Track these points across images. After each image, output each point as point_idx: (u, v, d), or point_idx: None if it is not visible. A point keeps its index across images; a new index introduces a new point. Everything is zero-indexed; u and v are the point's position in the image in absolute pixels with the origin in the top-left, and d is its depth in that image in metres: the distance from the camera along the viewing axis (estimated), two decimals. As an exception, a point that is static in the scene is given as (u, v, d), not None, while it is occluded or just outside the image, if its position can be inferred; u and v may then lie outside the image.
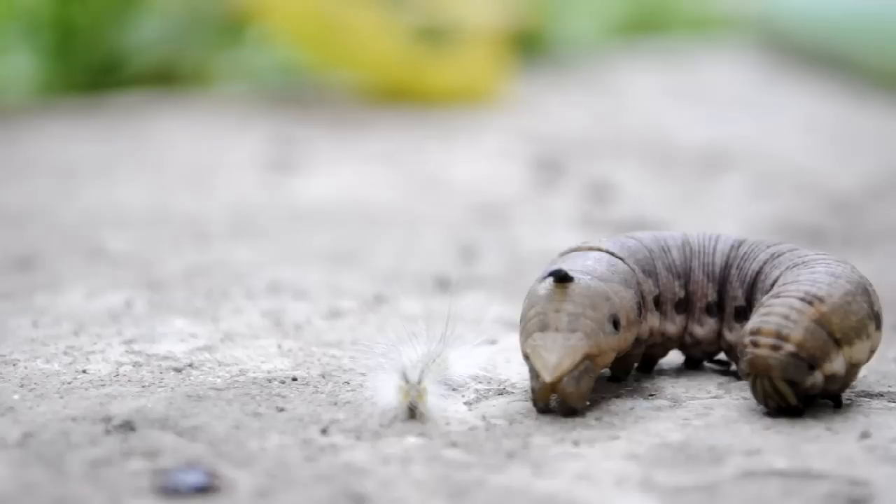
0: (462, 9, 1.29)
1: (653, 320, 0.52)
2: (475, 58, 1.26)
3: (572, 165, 1.01)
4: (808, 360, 0.48)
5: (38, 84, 1.25)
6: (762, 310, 0.49)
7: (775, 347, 0.48)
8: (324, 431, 0.48)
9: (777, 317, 0.48)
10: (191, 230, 0.80)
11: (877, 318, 0.50)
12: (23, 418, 0.49)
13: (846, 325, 0.48)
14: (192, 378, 0.53)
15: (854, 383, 0.53)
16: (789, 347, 0.48)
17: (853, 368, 0.49)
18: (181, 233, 0.79)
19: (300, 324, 0.61)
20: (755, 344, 0.48)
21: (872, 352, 0.50)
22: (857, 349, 0.49)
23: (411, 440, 0.47)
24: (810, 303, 0.48)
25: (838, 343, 0.48)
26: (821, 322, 0.48)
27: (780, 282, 0.51)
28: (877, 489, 0.43)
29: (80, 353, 0.56)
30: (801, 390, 0.48)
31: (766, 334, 0.48)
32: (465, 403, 0.51)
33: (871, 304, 0.50)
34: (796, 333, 0.48)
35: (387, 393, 0.49)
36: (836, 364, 0.48)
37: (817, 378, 0.48)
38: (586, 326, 0.49)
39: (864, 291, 0.50)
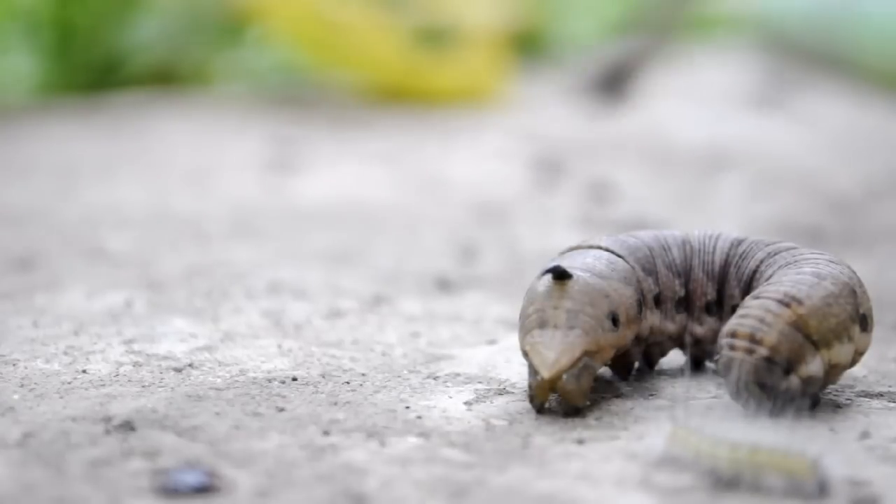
0: (462, 9, 1.29)
1: (653, 319, 0.52)
2: (475, 58, 1.26)
3: (572, 165, 1.01)
4: (783, 363, 0.48)
5: (38, 84, 1.25)
6: (740, 311, 0.49)
7: (749, 351, 0.48)
8: (326, 433, 0.48)
9: (752, 319, 0.48)
10: (191, 230, 0.80)
11: (863, 321, 0.50)
12: (23, 418, 0.49)
13: (825, 327, 0.48)
14: (192, 378, 0.53)
15: (853, 383, 0.53)
16: (763, 351, 0.48)
17: (833, 370, 0.49)
18: (181, 233, 0.79)
19: (300, 324, 0.61)
20: (730, 347, 0.48)
21: (860, 354, 0.50)
22: (837, 351, 0.49)
23: (411, 440, 0.47)
24: (787, 305, 0.48)
25: (816, 345, 0.48)
26: (797, 325, 0.48)
27: (768, 281, 0.51)
28: (877, 489, 0.43)
29: (80, 353, 0.56)
30: (776, 394, 0.48)
31: (741, 337, 0.48)
32: (465, 403, 0.51)
33: (856, 306, 0.49)
34: (770, 337, 0.48)
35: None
36: (813, 367, 0.48)
37: (792, 381, 0.48)
38: (585, 323, 0.49)
39: (851, 293, 0.49)
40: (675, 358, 0.55)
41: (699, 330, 0.53)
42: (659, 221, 0.81)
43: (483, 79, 1.27)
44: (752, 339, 0.48)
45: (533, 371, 0.49)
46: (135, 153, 1.06)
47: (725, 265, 0.53)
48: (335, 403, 0.51)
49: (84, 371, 0.54)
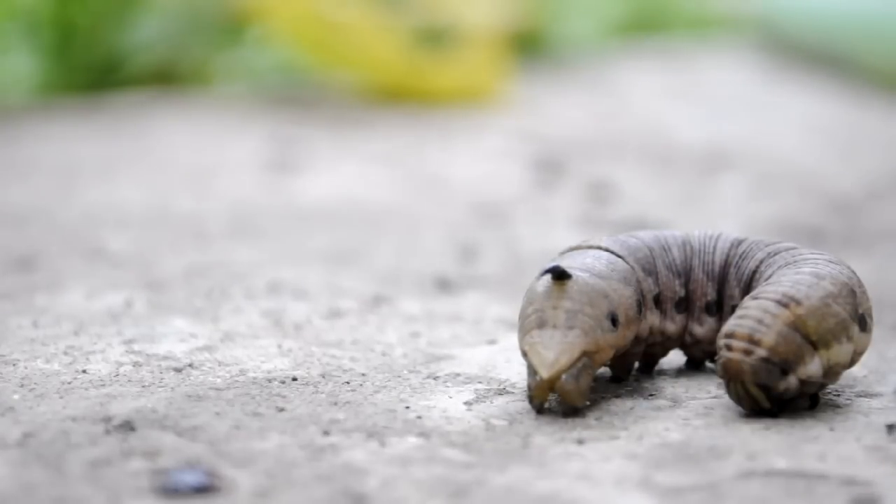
0: (462, 9, 1.29)
1: (653, 319, 0.52)
2: (475, 58, 1.26)
3: (572, 165, 1.01)
4: (781, 364, 0.48)
5: (38, 84, 1.25)
6: (738, 311, 0.49)
7: (747, 352, 0.48)
8: (326, 433, 0.48)
9: (751, 320, 0.48)
10: (191, 230, 0.80)
11: (861, 321, 0.50)
12: (23, 418, 0.49)
13: (823, 327, 0.48)
14: (192, 378, 0.53)
15: (853, 383, 0.53)
16: (761, 352, 0.48)
17: (832, 370, 0.49)
18: (181, 233, 0.79)
19: (300, 324, 0.61)
20: (728, 347, 0.48)
21: (859, 354, 0.50)
22: (836, 352, 0.48)
23: (411, 440, 0.47)
24: (786, 305, 0.48)
25: (815, 346, 0.48)
26: (795, 325, 0.48)
27: (767, 281, 0.50)
28: (878, 489, 0.43)
29: (80, 353, 0.56)
30: (775, 394, 0.48)
31: (739, 338, 0.48)
32: (465, 403, 0.51)
33: (855, 305, 0.49)
34: (768, 338, 0.48)
35: None
36: (812, 367, 0.48)
37: (791, 382, 0.48)
38: (584, 323, 0.49)
39: (850, 293, 0.49)
40: (675, 358, 0.55)
41: (699, 330, 0.53)
42: (659, 221, 0.81)
43: (483, 79, 1.27)
44: (751, 340, 0.48)
45: (532, 371, 0.49)
46: (135, 153, 1.06)
47: (725, 265, 0.53)
48: (335, 403, 0.51)
49: (84, 371, 0.54)
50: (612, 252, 0.52)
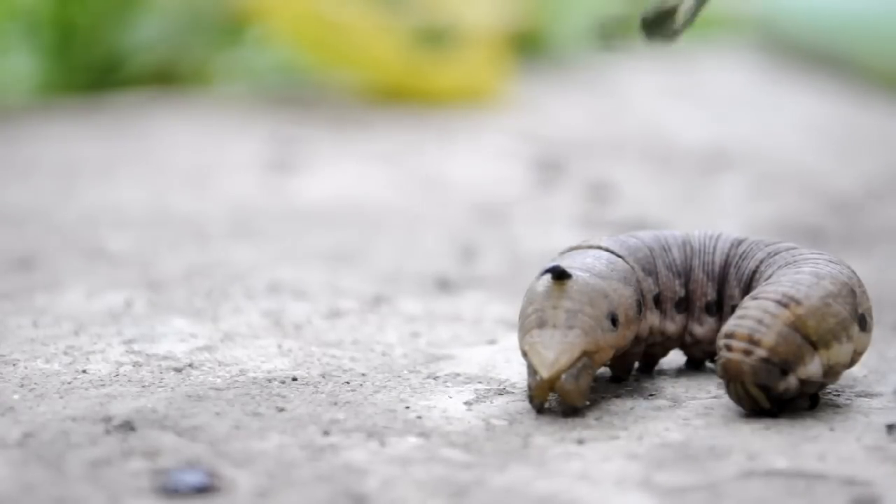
0: (462, 9, 1.29)
1: (653, 319, 0.52)
2: (475, 58, 1.26)
3: (572, 165, 1.01)
4: (781, 364, 0.48)
5: (38, 84, 1.25)
6: (738, 311, 0.49)
7: (747, 352, 0.48)
8: (326, 433, 0.48)
9: (751, 320, 0.48)
10: (191, 230, 0.80)
11: (861, 321, 0.49)
12: (23, 418, 0.49)
13: (823, 327, 0.48)
14: (192, 378, 0.53)
15: (853, 383, 0.53)
16: (761, 353, 0.48)
17: (832, 370, 0.49)
18: (181, 233, 0.79)
19: (300, 324, 0.61)
20: (728, 348, 0.48)
21: (859, 354, 0.50)
22: (836, 352, 0.48)
23: (411, 440, 0.47)
24: (786, 305, 0.48)
25: (814, 346, 0.48)
26: (795, 325, 0.48)
27: (767, 281, 0.50)
28: (878, 489, 0.43)
29: (80, 353, 0.56)
30: (775, 394, 0.48)
31: (739, 338, 0.48)
32: (465, 403, 0.51)
33: (855, 305, 0.49)
34: (768, 338, 0.48)
35: None
36: (812, 367, 0.48)
37: (791, 382, 0.48)
38: (584, 323, 0.49)
39: (850, 293, 0.49)
40: (675, 358, 0.55)
41: (699, 330, 0.53)
42: (659, 221, 0.81)
43: (483, 79, 1.27)
44: (751, 341, 0.48)
45: (532, 371, 0.49)
46: (135, 153, 1.06)
47: (725, 265, 0.53)
48: (335, 403, 0.51)
49: (84, 371, 0.54)
50: (612, 252, 0.52)
